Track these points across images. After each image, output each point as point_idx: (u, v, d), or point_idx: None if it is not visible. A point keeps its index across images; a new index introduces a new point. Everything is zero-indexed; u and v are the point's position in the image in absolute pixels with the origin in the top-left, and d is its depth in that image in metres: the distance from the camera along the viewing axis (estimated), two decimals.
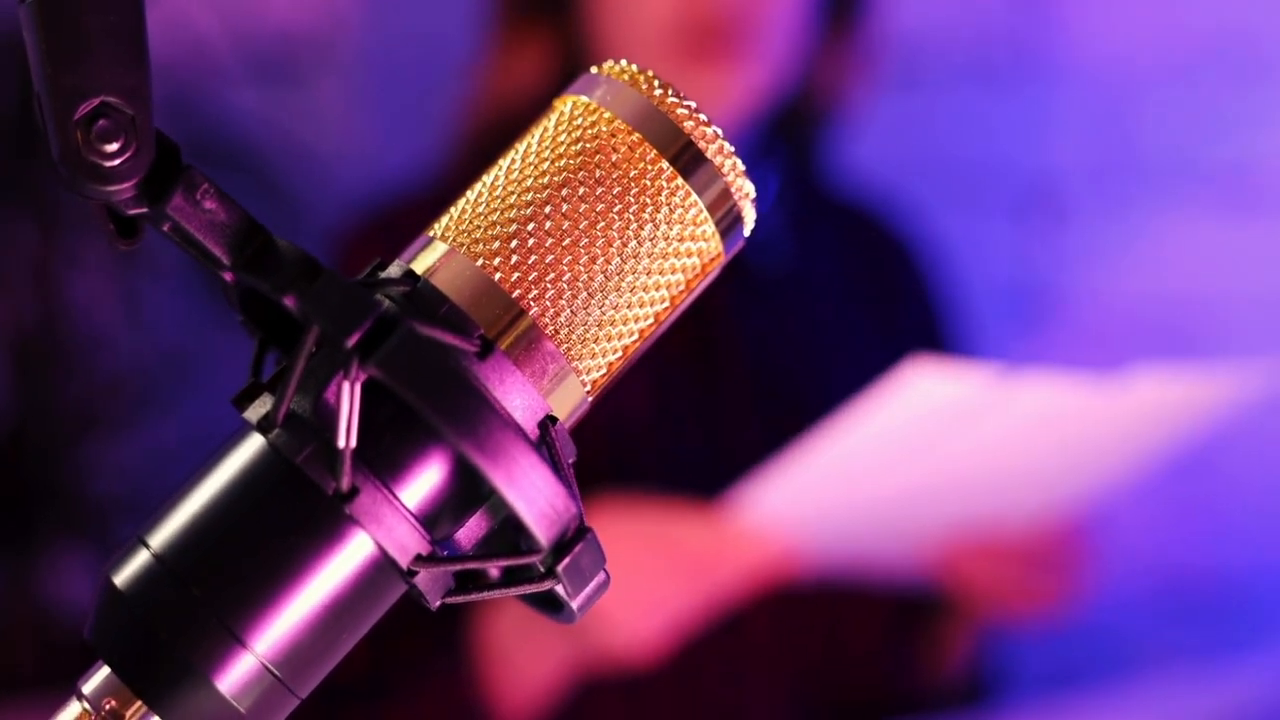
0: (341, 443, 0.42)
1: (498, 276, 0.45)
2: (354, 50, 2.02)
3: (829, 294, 1.42)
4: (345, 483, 0.43)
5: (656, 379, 1.29)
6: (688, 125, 0.46)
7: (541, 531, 0.43)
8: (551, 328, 0.45)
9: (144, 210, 0.44)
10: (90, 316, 1.88)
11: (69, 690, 0.44)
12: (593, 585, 0.46)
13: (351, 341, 0.42)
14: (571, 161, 0.46)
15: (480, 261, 0.45)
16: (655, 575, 1.17)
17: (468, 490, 0.45)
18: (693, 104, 0.47)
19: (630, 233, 0.46)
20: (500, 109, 1.36)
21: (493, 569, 0.46)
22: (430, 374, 0.42)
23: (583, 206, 0.46)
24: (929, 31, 1.77)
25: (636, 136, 0.46)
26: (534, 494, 0.43)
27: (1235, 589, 1.72)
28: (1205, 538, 1.68)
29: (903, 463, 1.18)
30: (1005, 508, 1.29)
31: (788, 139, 1.38)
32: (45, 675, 1.77)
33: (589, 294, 0.45)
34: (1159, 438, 1.31)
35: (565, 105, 0.48)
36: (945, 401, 1.14)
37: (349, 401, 0.42)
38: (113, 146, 0.43)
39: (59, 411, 1.86)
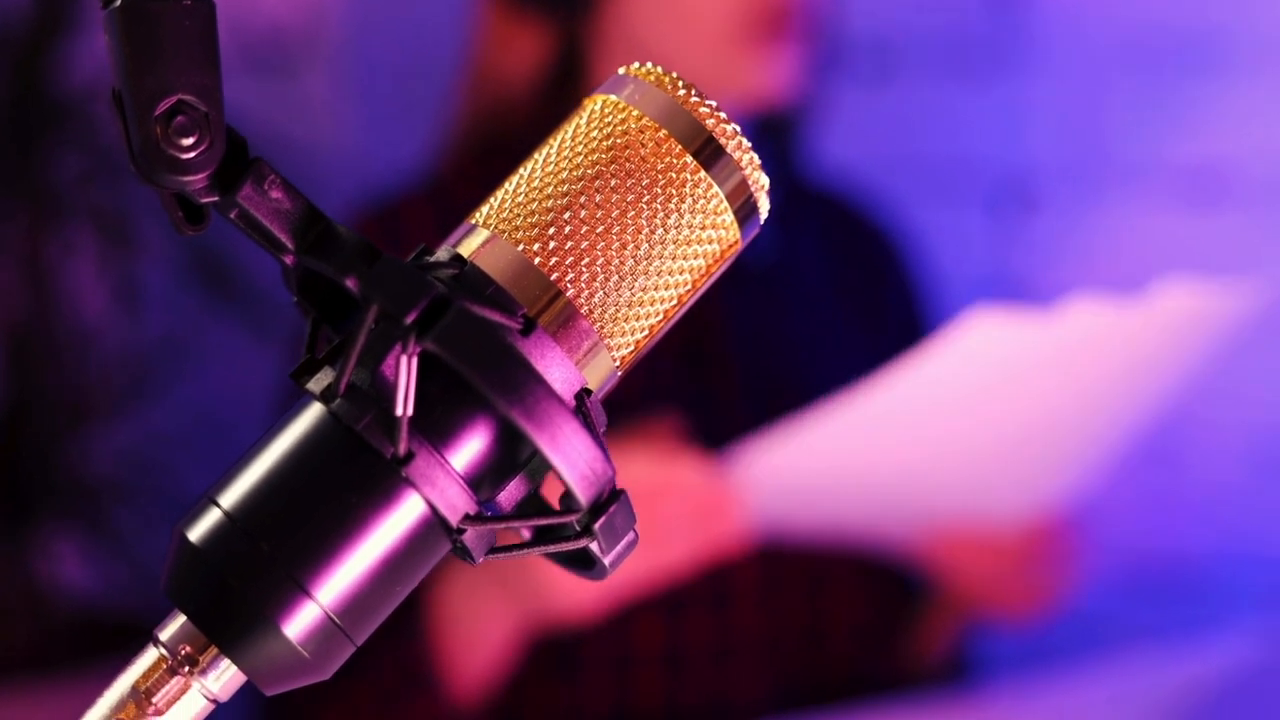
0: (400, 411, 0.46)
1: (537, 260, 0.48)
2: (343, 43, 2.05)
3: (812, 284, 1.44)
4: (402, 447, 0.46)
5: (646, 365, 1.32)
6: (709, 122, 0.50)
7: (581, 491, 0.47)
8: (586, 307, 0.49)
9: (215, 199, 0.48)
10: (83, 304, 1.90)
11: (147, 638, 0.48)
12: (623, 543, 0.49)
13: (410, 319, 0.46)
14: (603, 155, 0.49)
15: (521, 247, 0.48)
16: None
17: (508, 456, 0.49)
18: (714, 103, 0.50)
19: (657, 221, 0.49)
20: (492, 101, 1.38)
21: (525, 529, 0.50)
22: (482, 348, 0.46)
23: (614, 197, 0.49)
24: (906, 30, 1.81)
25: (663, 133, 0.49)
26: (575, 457, 0.46)
27: (1199, 573, 1.77)
28: (1172, 525, 1.73)
29: (921, 420, 1.19)
30: (1017, 477, 1.30)
31: (772, 136, 1.42)
32: (38, 657, 1.79)
33: (620, 277, 0.49)
34: (1187, 350, 1.30)
35: (595, 103, 0.51)
36: (1003, 351, 1.15)
37: (407, 373, 0.46)
38: (189, 140, 0.46)
39: (53, 397, 1.88)
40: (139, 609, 1.90)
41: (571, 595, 1.19)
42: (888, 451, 1.22)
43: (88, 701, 0.46)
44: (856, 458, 1.22)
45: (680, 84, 0.50)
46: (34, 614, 1.81)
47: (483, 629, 1.24)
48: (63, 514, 1.86)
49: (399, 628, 1.23)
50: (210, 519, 0.47)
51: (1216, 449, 1.71)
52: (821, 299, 1.45)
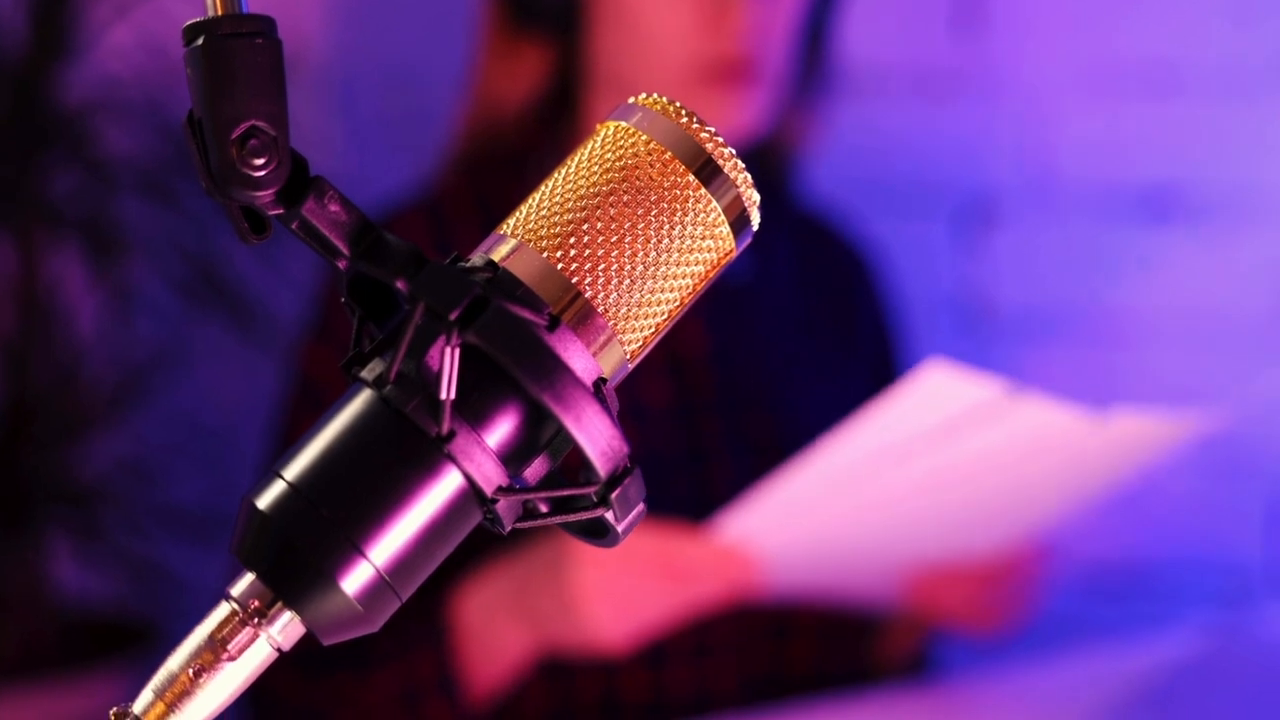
0: (444, 395, 0.52)
1: (559, 265, 0.55)
2: (326, 64, 2.10)
3: (787, 302, 1.50)
4: (445, 427, 0.53)
5: (627, 380, 1.37)
6: (708, 146, 0.57)
7: (601, 465, 0.54)
8: (602, 307, 0.55)
9: (280, 211, 0.54)
10: (76, 315, 1.94)
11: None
12: (634, 513, 0.55)
13: (454, 315, 0.52)
14: (616, 174, 0.56)
15: (545, 253, 0.55)
16: (636, 584, 1.24)
17: (534, 436, 0.55)
18: (712, 129, 0.58)
19: (664, 231, 0.56)
20: (488, 122, 1.44)
21: (543, 504, 0.57)
22: (516, 341, 0.53)
23: (626, 210, 0.56)
24: (873, 56, 1.87)
25: (669, 155, 0.56)
26: (597, 435, 0.53)
27: (1148, 575, 1.83)
28: (1124, 532, 1.79)
29: (889, 473, 1.21)
30: (981, 523, 1.34)
31: (756, 160, 1.47)
32: (33, 660, 1.82)
33: (631, 280, 0.56)
34: (1127, 465, 1.38)
35: (608, 129, 0.58)
36: (954, 407, 1.16)
37: (450, 362, 0.52)
38: (260, 161, 0.53)
39: (47, 406, 1.91)
40: (132, 613, 1.94)
41: (602, 631, 1.24)
42: (855, 505, 1.25)
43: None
44: (827, 515, 1.25)
45: (683, 112, 0.57)
46: (29, 618, 1.83)
47: (501, 644, 1.29)
48: (57, 520, 1.89)
49: (422, 630, 1.29)
50: (276, 489, 0.53)
51: (1169, 461, 1.77)
52: (794, 316, 1.50)
